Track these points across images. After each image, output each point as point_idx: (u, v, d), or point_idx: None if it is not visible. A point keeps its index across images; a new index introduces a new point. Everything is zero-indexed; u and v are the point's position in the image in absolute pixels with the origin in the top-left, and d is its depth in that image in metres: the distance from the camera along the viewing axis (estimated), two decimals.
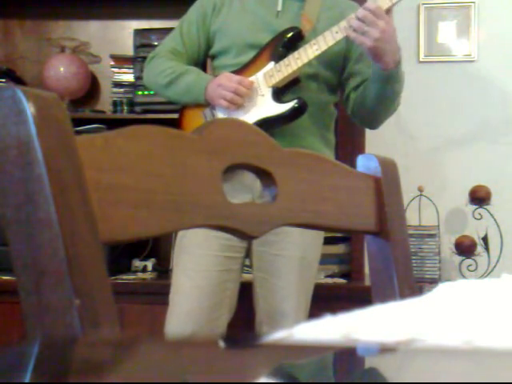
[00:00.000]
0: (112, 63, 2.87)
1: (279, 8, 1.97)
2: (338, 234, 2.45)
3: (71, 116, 0.56)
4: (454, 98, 2.82)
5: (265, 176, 0.76)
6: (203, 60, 2.10)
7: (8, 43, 3.03)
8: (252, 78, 1.94)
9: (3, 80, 2.77)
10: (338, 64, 1.99)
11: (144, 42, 2.76)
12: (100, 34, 3.00)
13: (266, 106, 1.91)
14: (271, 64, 1.92)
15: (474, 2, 2.81)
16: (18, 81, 2.87)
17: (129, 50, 2.84)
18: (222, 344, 0.48)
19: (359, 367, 0.40)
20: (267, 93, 1.92)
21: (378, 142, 2.77)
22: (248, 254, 2.01)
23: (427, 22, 2.84)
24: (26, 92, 0.54)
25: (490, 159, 2.78)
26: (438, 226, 2.64)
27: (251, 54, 1.95)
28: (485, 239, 2.64)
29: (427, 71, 2.84)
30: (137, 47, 2.78)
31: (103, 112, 2.91)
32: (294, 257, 1.93)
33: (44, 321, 0.53)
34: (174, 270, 1.99)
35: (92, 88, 2.96)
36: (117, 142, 0.61)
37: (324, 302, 2.08)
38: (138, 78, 2.71)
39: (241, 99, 1.89)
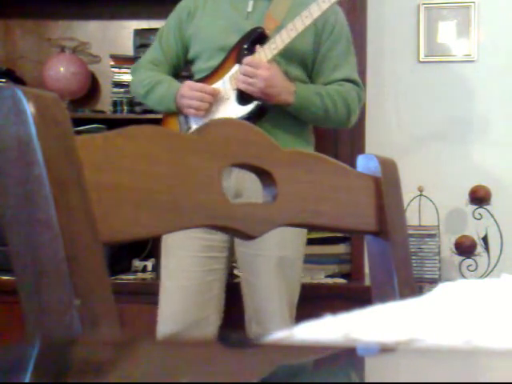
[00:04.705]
0: (112, 63, 2.87)
1: (249, 9, 2.00)
2: (338, 234, 2.45)
3: (71, 116, 0.56)
4: (454, 98, 2.82)
5: (265, 176, 0.76)
6: (185, 65, 2.14)
7: (8, 43, 3.03)
8: (219, 82, 1.97)
9: (3, 80, 2.77)
10: (307, 62, 2.00)
11: (144, 42, 2.76)
12: (100, 34, 3.00)
13: (230, 109, 1.95)
14: (236, 66, 1.95)
15: (473, 2, 2.81)
16: (18, 81, 2.86)
17: (129, 50, 2.84)
18: (221, 344, 0.48)
19: (359, 367, 0.40)
20: (232, 95, 1.95)
21: (378, 142, 2.77)
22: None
23: (427, 22, 2.84)
24: (26, 92, 0.54)
25: (489, 159, 2.78)
26: (438, 226, 2.64)
27: (221, 57, 1.98)
28: (485, 239, 2.64)
29: (427, 71, 2.84)
30: (137, 47, 2.78)
31: (103, 112, 2.91)
32: (272, 256, 1.94)
33: (44, 321, 0.53)
34: (161, 271, 2.03)
35: (92, 88, 2.96)
36: (117, 141, 0.61)
37: (324, 302, 2.08)
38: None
39: (206, 105, 1.94)
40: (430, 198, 2.67)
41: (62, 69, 2.82)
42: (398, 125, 2.85)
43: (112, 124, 2.55)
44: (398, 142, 2.84)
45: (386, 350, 0.42)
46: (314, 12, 1.86)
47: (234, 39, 1.96)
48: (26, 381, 0.35)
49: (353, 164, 0.91)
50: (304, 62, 1.99)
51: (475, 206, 2.65)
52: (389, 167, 0.92)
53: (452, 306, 0.53)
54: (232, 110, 1.94)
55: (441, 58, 2.84)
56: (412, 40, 2.85)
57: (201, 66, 2.02)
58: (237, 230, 0.72)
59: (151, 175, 0.64)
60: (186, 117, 2.00)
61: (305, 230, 2.03)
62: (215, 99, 1.95)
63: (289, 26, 1.88)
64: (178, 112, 2.01)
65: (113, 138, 0.61)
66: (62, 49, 2.90)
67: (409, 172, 2.67)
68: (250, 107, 1.92)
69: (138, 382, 0.35)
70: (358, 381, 0.37)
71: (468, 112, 2.82)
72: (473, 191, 2.63)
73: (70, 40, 2.90)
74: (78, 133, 0.57)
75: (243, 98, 1.93)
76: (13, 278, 0.54)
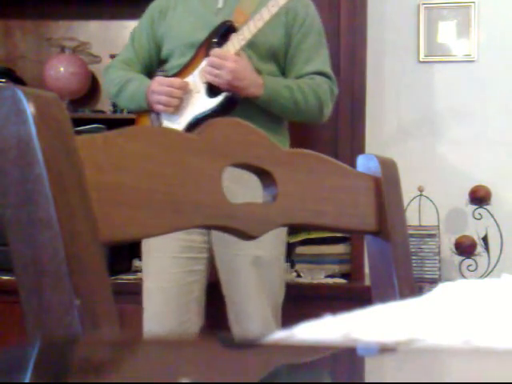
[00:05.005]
0: None
1: (220, 5, 1.99)
2: (338, 234, 2.45)
3: (71, 116, 0.56)
4: (454, 98, 2.82)
5: (265, 176, 0.76)
6: (158, 65, 2.13)
7: (8, 43, 3.03)
8: (189, 77, 1.96)
9: (3, 80, 2.77)
10: (278, 56, 1.99)
11: None
12: (100, 34, 3.00)
13: (200, 103, 1.94)
14: (206, 60, 1.93)
15: (473, 2, 2.81)
16: (18, 81, 2.86)
17: None
18: (221, 344, 0.48)
19: (359, 367, 0.40)
20: (202, 89, 1.94)
21: (378, 142, 2.77)
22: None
23: (427, 22, 2.84)
24: (26, 92, 0.54)
25: (490, 159, 2.78)
26: (438, 226, 2.64)
27: (192, 54, 1.97)
28: (485, 239, 2.64)
29: (427, 71, 2.84)
30: None
31: (103, 112, 2.90)
32: (250, 255, 1.93)
33: (44, 321, 0.53)
34: (142, 273, 2.03)
35: (92, 88, 2.96)
36: (117, 141, 0.61)
37: (324, 301, 2.08)
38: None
39: (176, 100, 1.92)
40: (430, 198, 2.67)
41: (61, 69, 2.82)
42: (398, 125, 2.85)
43: (112, 124, 2.55)
44: (398, 141, 2.84)
45: (385, 349, 0.42)
46: (280, 0, 1.85)
47: (203, 35, 1.95)
48: (26, 381, 0.35)
49: (353, 164, 0.91)
50: (276, 56, 1.98)
51: (475, 206, 2.65)
52: (389, 167, 0.92)
53: (452, 305, 0.53)
54: (202, 103, 1.93)
55: (441, 58, 2.84)
56: (412, 40, 2.85)
57: (173, 64, 2.02)
58: (237, 229, 0.72)
59: (151, 175, 0.64)
60: (158, 114, 1.98)
61: (284, 230, 2.03)
62: (185, 93, 1.94)
63: (256, 17, 1.87)
64: (149, 109, 1.99)
65: (113, 138, 0.61)
66: (62, 49, 2.90)
67: (409, 172, 2.67)
68: (219, 99, 1.90)
69: (137, 382, 0.35)
70: (358, 381, 0.37)
71: (468, 112, 2.82)
72: (473, 191, 2.63)
73: (70, 40, 2.90)
74: (78, 133, 0.57)
75: (213, 90, 1.92)
76: (13, 278, 0.54)
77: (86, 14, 2.99)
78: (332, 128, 2.49)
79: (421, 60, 2.84)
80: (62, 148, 0.55)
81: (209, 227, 0.73)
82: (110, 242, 0.59)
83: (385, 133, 2.84)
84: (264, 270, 1.95)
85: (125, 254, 2.64)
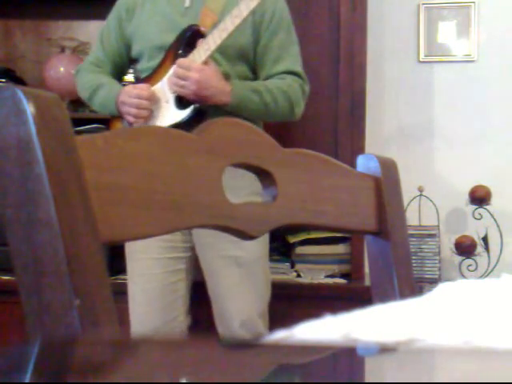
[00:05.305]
0: None
1: (187, 4, 1.96)
2: (338, 234, 2.45)
3: (71, 116, 0.56)
4: (454, 98, 2.82)
5: (265, 176, 0.76)
6: (129, 63, 2.11)
7: (8, 43, 3.03)
8: (159, 84, 1.94)
9: (3, 80, 2.76)
10: (248, 56, 1.97)
11: None
12: None
13: (169, 114, 1.92)
14: (173, 67, 1.91)
15: (474, 2, 2.81)
16: (18, 81, 2.86)
17: None
18: (221, 344, 0.48)
19: (359, 367, 0.40)
20: (171, 99, 1.92)
21: (378, 142, 2.77)
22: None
23: (427, 22, 2.84)
24: (26, 92, 0.54)
25: (489, 159, 2.78)
26: (438, 226, 2.64)
27: (160, 57, 1.95)
28: (485, 239, 2.64)
29: (427, 71, 2.84)
30: None
31: None
32: (231, 257, 1.93)
33: (44, 321, 0.53)
34: (127, 276, 2.03)
35: None
36: (117, 142, 0.61)
37: (324, 302, 2.07)
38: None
39: (145, 112, 1.91)
40: (430, 198, 2.67)
41: (61, 69, 2.82)
42: (398, 125, 2.85)
43: None
44: (398, 142, 2.84)
45: (385, 349, 0.42)
46: (243, 10, 1.82)
47: (171, 37, 1.93)
48: (26, 381, 0.35)
49: (353, 164, 0.91)
50: (245, 56, 1.96)
51: (475, 206, 2.65)
52: (389, 167, 0.92)
53: (452, 305, 0.53)
54: (171, 114, 1.91)
55: (441, 58, 2.84)
56: (412, 40, 2.85)
57: (143, 66, 2.00)
58: (237, 229, 0.72)
59: (151, 175, 0.64)
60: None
61: None
62: (154, 103, 1.92)
63: (220, 26, 1.84)
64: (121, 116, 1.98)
65: (113, 138, 0.61)
66: (62, 49, 2.90)
67: (409, 172, 2.67)
68: (187, 112, 1.89)
69: (137, 382, 0.35)
70: (358, 381, 0.37)
71: (468, 112, 2.82)
72: (473, 191, 2.63)
73: (70, 40, 2.90)
74: (78, 133, 0.57)
75: (181, 101, 1.90)
76: (13, 278, 0.54)
77: (85, 13, 2.98)
78: (332, 128, 2.49)
79: (421, 60, 2.84)
80: (62, 148, 0.55)
81: (209, 227, 0.73)
82: (110, 242, 0.59)
83: (385, 133, 2.84)
84: (245, 270, 1.94)
85: (125, 254, 2.64)
